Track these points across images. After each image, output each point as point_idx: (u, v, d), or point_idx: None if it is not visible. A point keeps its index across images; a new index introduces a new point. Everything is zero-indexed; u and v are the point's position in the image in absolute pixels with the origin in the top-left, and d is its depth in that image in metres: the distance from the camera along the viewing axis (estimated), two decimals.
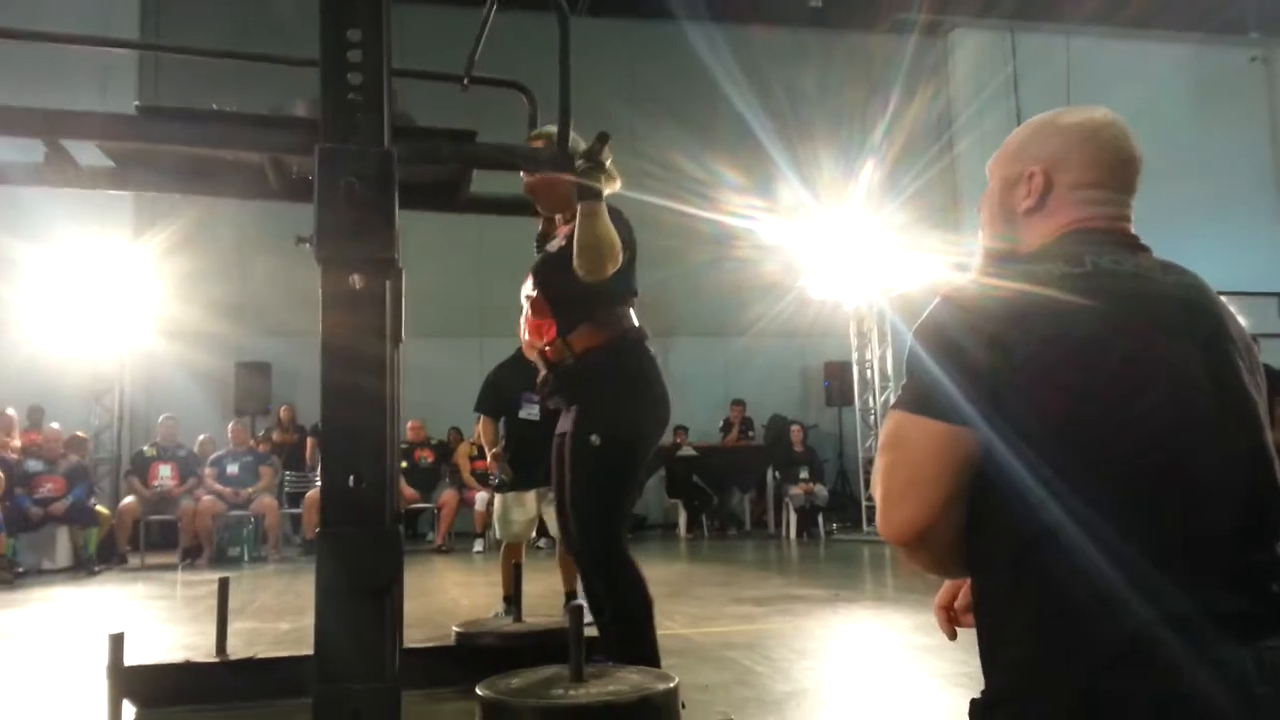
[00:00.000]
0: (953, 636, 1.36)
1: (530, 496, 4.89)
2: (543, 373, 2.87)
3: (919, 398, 1.16)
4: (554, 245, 2.85)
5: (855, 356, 11.08)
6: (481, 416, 5.15)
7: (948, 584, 1.36)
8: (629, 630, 2.66)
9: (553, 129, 2.86)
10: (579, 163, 2.53)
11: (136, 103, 2.36)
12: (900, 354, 10.21)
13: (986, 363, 1.11)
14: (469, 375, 10.74)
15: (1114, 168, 1.28)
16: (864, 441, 10.89)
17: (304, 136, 2.19)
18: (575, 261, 2.59)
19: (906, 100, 12.59)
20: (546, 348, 2.80)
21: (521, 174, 2.93)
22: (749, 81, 11.56)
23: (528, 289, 2.89)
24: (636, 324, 2.80)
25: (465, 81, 3.27)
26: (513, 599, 4.02)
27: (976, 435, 1.12)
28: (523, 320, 2.93)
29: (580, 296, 2.71)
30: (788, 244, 10.77)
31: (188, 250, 10.39)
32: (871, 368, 10.86)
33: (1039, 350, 1.10)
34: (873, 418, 10.80)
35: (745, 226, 10.91)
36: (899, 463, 1.17)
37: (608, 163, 2.54)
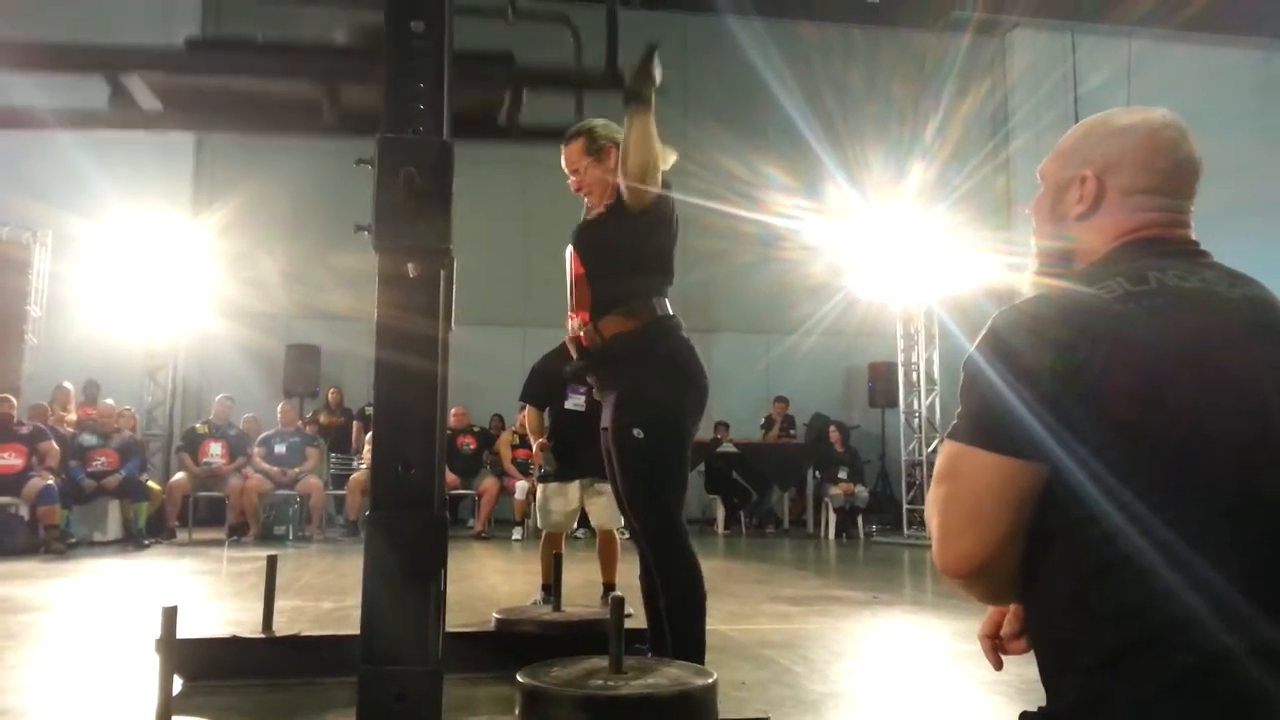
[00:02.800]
0: (999, 666, 1.32)
1: (573, 487, 4.91)
2: (575, 358, 2.89)
3: (976, 428, 1.12)
4: (594, 214, 2.88)
5: (901, 358, 10.98)
6: (527, 406, 5.18)
7: (991, 611, 1.33)
8: (680, 620, 2.69)
9: (595, 121, 2.86)
10: (630, 73, 2.54)
11: (186, 35, 2.37)
12: (948, 356, 10.11)
13: (1049, 367, 1.07)
14: (512, 363, 10.85)
15: (1171, 172, 1.23)
16: (907, 444, 10.80)
17: (357, 64, 2.20)
18: (621, 167, 2.62)
19: (959, 98, 12.42)
20: (580, 332, 2.81)
21: (569, 175, 2.93)
22: (797, 80, 11.50)
23: (568, 260, 2.90)
24: (670, 312, 2.80)
25: (510, 14, 3.25)
26: (552, 588, 4.05)
27: (1038, 468, 1.08)
28: (569, 286, 2.95)
29: (614, 272, 2.74)
30: (835, 244, 10.70)
31: (243, 229, 10.58)
32: (918, 370, 10.75)
33: (1104, 364, 1.06)
34: (917, 420, 10.69)
35: (792, 227, 10.85)
36: (955, 497, 1.14)
37: (656, 74, 2.55)
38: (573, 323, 2.87)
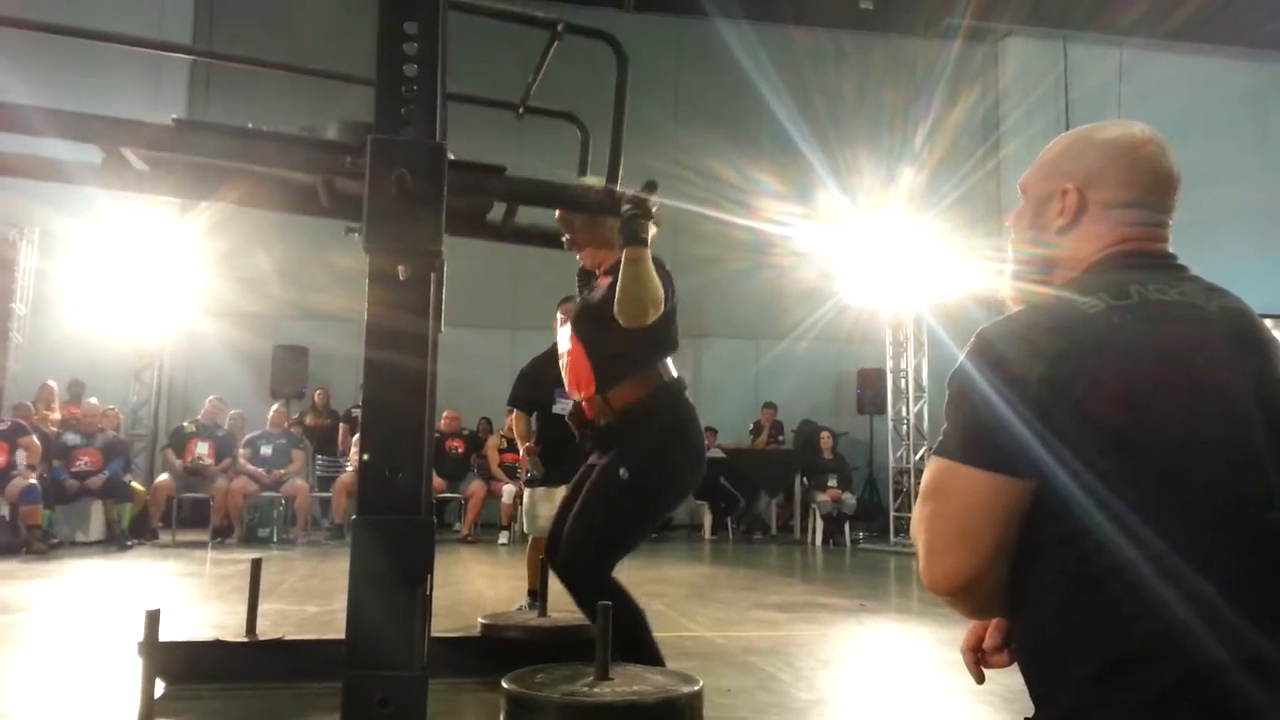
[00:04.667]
0: (981, 680, 1.32)
1: (560, 492, 4.88)
2: (577, 432, 2.84)
3: (964, 444, 1.12)
4: (594, 297, 2.82)
5: (890, 365, 11.00)
6: (514, 410, 5.15)
7: (974, 625, 1.33)
8: (624, 645, 2.62)
9: (585, 181, 2.83)
10: (626, 208, 2.50)
11: (174, 116, 2.37)
12: (937, 363, 10.14)
13: (1040, 376, 1.07)
14: (500, 367, 10.83)
15: (1151, 186, 1.24)
16: (895, 451, 10.81)
17: (345, 158, 2.18)
18: (616, 309, 2.55)
19: (949, 105, 12.48)
20: (585, 403, 2.77)
21: (564, 234, 2.91)
22: (788, 86, 11.54)
23: (565, 338, 2.87)
24: (676, 375, 2.77)
25: (520, 111, 3.23)
26: (538, 593, 4.03)
27: (1026, 484, 1.08)
28: (562, 361, 2.91)
29: (620, 351, 2.69)
30: (825, 250, 10.72)
31: (231, 229, 10.52)
32: (906, 377, 10.77)
33: (1094, 375, 1.07)
34: (905, 427, 10.71)
35: (783, 233, 10.88)
36: (943, 514, 1.14)
37: (654, 209, 2.52)
38: (574, 397, 2.83)
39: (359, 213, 1.94)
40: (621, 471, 2.62)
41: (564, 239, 2.93)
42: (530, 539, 5.05)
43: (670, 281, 2.70)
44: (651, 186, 2.50)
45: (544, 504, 4.91)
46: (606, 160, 2.57)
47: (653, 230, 2.58)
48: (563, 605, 4.49)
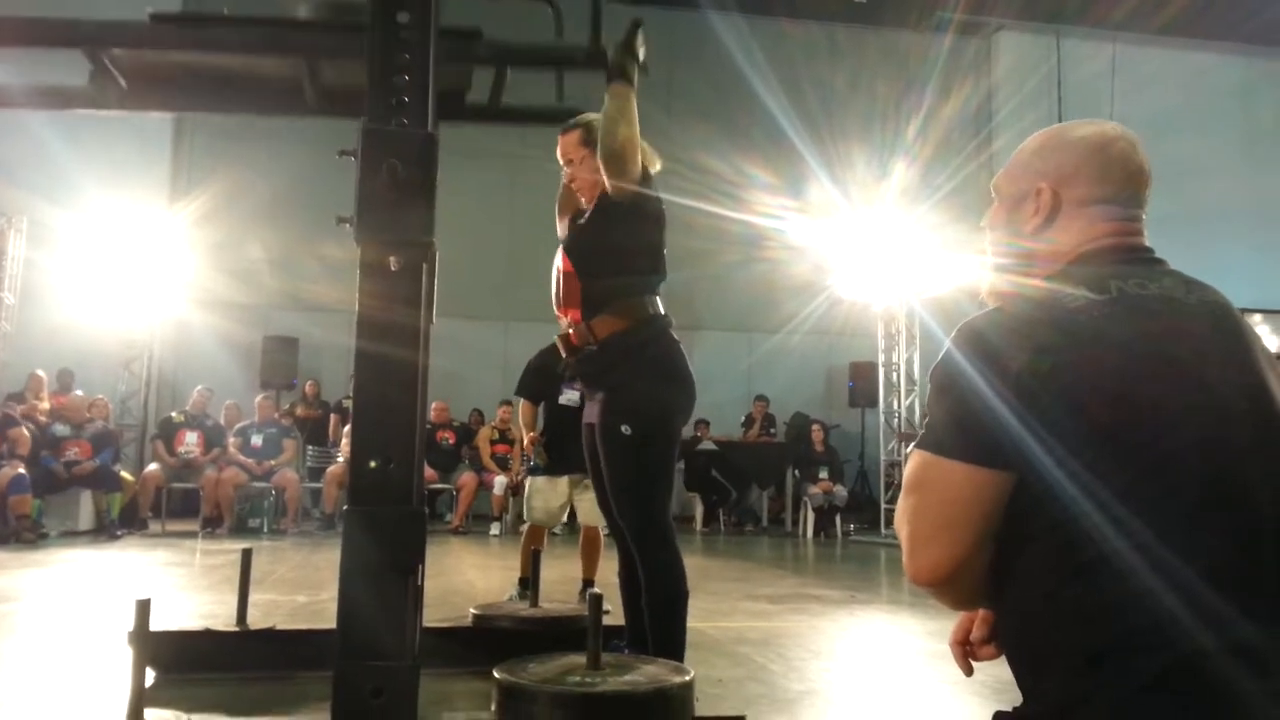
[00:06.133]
0: (969, 673, 1.33)
1: (563, 482, 4.91)
2: (565, 356, 2.88)
3: (946, 437, 1.13)
4: (586, 216, 2.87)
5: (882, 358, 11.03)
6: (521, 400, 5.18)
7: (961, 618, 1.34)
8: (662, 617, 2.68)
9: (589, 116, 2.85)
10: (614, 46, 2.55)
11: (150, 10, 2.32)
12: (928, 356, 10.15)
13: (1028, 366, 1.08)
14: (492, 358, 10.85)
15: (1124, 182, 1.25)
16: (886, 444, 10.85)
17: (333, 39, 2.17)
18: (599, 145, 2.60)
19: (942, 98, 12.48)
20: (570, 330, 2.80)
21: (563, 164, 2.92)
22: (781, 79, 11.51)
23: (558, 262, 2.89)
24: (662, 311, 2.80)
25: None
26: (530, 583, 4.04)
27: (1007, 476, 1.10)
28: (554, 278, 2.93)
29: (609, 279, 2.72)
30: (818, 244, 10.73)
31: (221, 218, 10.50)
32: (898, 370, 10.81)
33: (1079, 367, 1.08)
34: (896, 420, 10.75)
35: (776, 227, 10.88)
36: (925, 506, 1.15)
37: (640, 51, 2.55)
38: (562, 320, 2.86)
39: (344, 108, 1.92)
40: (623, 429, 2.65)
41: (563, 171, 2.95)
42: (527, 527, 5.06)
43: (659, 204, 2.76)
44: (636, 25, 2.52)
45: (545, 493, 4.92)
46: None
47: (654, 166, 2.66)
48: (555, 595, 4.52)
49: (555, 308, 2.91)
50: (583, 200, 2.93)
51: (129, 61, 2.44)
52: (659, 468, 2.73)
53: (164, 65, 2.52)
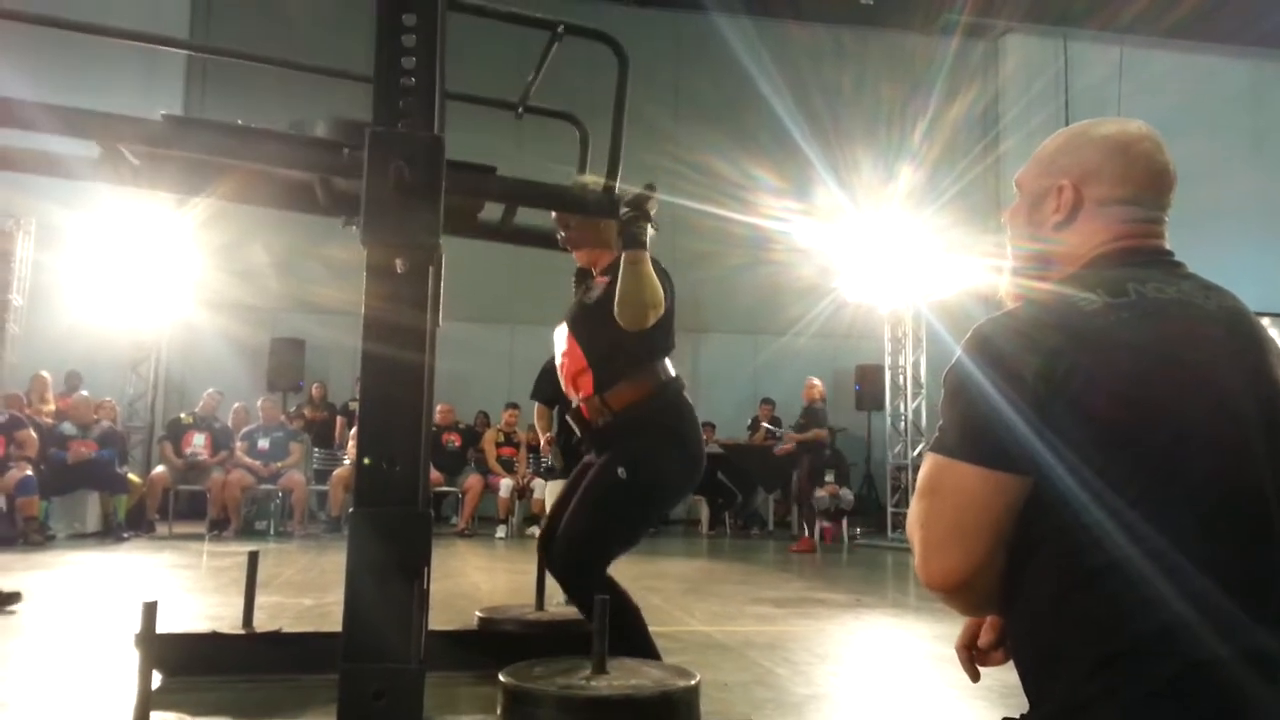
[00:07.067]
0: (976, 678, 1.33)
1: None
2: (578, 432, 2.83)
3: (961, 440, 1.12)
4: (592, 297, 2.78)
5: (888, 361, 11.00)
6: (536, 403, 5.18)
7: (968, 623, 1.33)
8: (620, 640, 2.62)
9: (582, 180, 2.82)
10: (624, 210, 2.49)
11: (163, 112, 2.35)
12: (935, 359, 10.15)
13: (1038, 371, 1.07)
14: (498, 361, 10.86)
15: (1147, 183, 1.24)
16: (892, 447, 10.82)
17: (339, 156, 2.18)
18: (617, 311, 2.54)
19: (948, 100, 12.47)
20: (582, 404, 2.75)
21: (559, 231, 2.90)
22: (787, 82, 11.51)
23: (561, 339, 2.85)
24: (674, 374, 2.76)
25: (519, 111, 3.21)
26: (540, 587, 4.01)
27: (1023, 480, 1.09)
28: (558, 362, 2.90)
29: (618, 352, 2.67)
30: (824, 246, 10.72)
31: (228, 221, 10.50)
32: (904, 373, 10.78)
33: (1091, 371, 1.07)
34: (903, 423, 10.72)
35: (781, 229, 10.88)
36: (939, 511, 1.14)
37: (653, 211, 2.50)
38: (572, 396, 2.81)
39: (356, 210, 1.93)
40: (619, 471, 2.60)
41: (560, 237, 2.91)
42: None
43: (670, 282, 2.69)
44: (650, 189, 2.49)
45: None
46: (606, 159, 2.56)
47: (651, 232, 2.57)
48: (560, 598, 4.51)
49: (564, 386, 2.86)
50: (582, 262, 2.90)
51: (143, 150, 2.47)
52: (629, 520, 2.68)
53: (166, 158, 2.55)
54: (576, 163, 3.08)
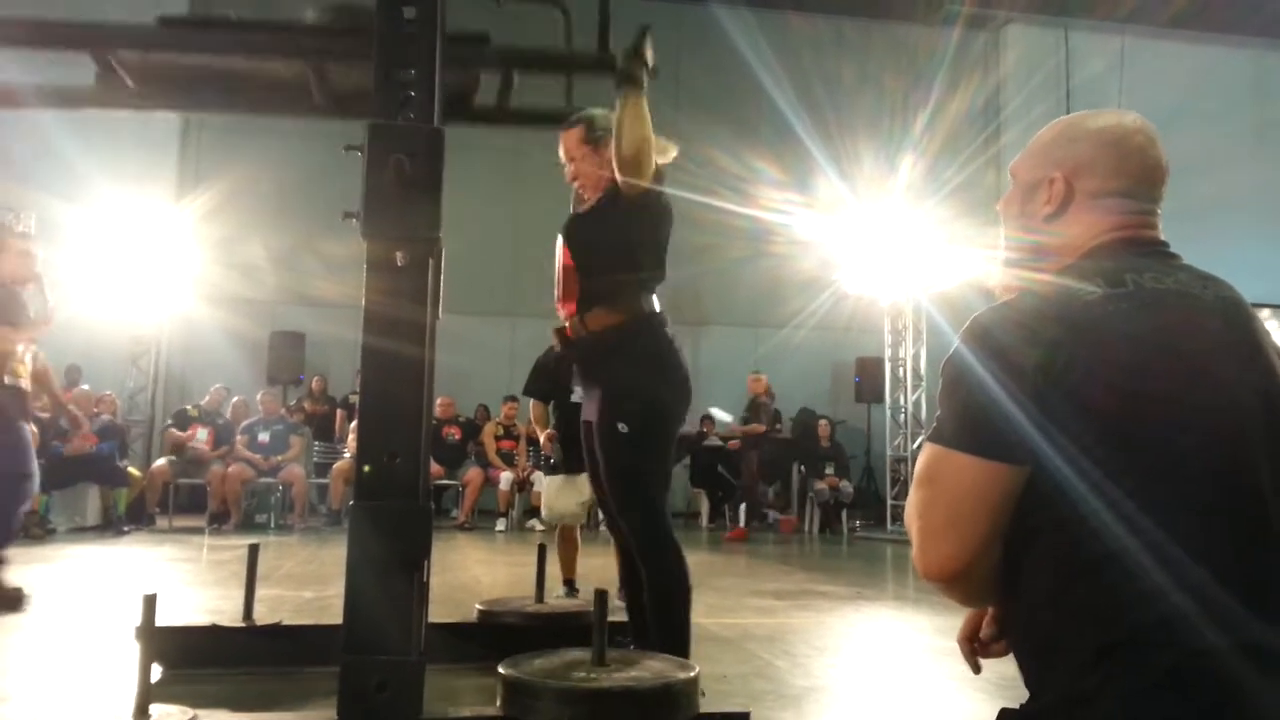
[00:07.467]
0: (977, 670, 1.33)
1: (583, 479, 4.86)
2: (556, 349, 2.89)
3: (958, 431, 1.12)
4: (584, 208, 2.87)
5: (889, 353, 11.00)
6: (531, 400, 5.15)
7: (969, 615, 1.33)
8: (663, 614, 2.67)
9: (595, 111, 2.84)
10: (622, 52, 2.53)
11: (159, 14, 2.32)
12: (935, 352, 10.15)
13: (1036, 362, 1.07)
14: (499, 354, 10.85)
15: (1140, 176, 1.24)
16: (892, 439, 10.83)
17: (338, 43, 2.17)
18: (616, 151, 2.58)
19: (949, 92, 12.43)
20: (565, 323, 2.81)
21: (565, 162, 2.91)
22: (788, 73, 11.48)
23: (559, 253, 2.88)
24: (658, 309, 2.79)
25: None
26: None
27: (1020, 470, 1.09)
28: (555, 271, 2.93)
29: (606, 274, 2.72)
30: (825, 239, 10.71)
31: (228, 214, 10.50)
32: (904, 365, 10.79)
33: (1089, 362, 1.07)
34: (903, 416, 10.73)
35: (782, 221, 10.85)
36: (936, 500, 1.14)
37: (649, 56, 2.54)
38: (560, 313, 2.86)
39: (352, 110, 1.92)
40: (619, 427, 2.65)
41: (565, 169, 2.93)
42: (559, 528, 5.00)
43: (668, 208, 2.76)
44: (644, 31, 2.52)
45: (565, 492, 4.86)
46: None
47: (666, 157, 2.65)
48: (558, 590, 4.51)
49: (555, 301, 2.91)
50: (585, 194, 2.93)
51: (136, 63, 2.44)
52: (655, 465, 2.72)
53: (171, 66, 2.52)
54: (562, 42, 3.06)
